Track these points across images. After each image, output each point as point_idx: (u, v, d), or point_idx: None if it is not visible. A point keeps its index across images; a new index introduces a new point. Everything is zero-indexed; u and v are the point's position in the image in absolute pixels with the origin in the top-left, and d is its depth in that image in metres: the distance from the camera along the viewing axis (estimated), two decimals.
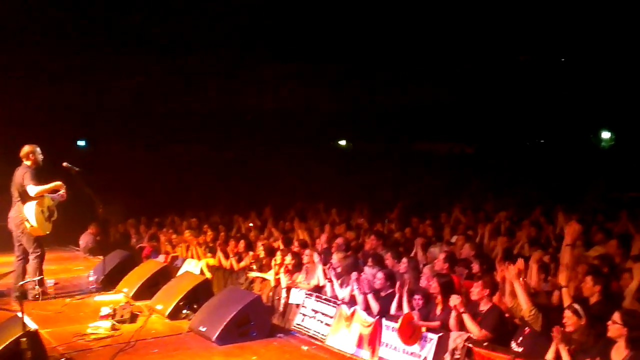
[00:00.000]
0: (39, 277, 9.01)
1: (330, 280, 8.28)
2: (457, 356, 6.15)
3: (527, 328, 5.88)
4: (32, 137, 9.41)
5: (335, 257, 8.71)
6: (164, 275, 9.91)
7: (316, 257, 8.89)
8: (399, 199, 14.55)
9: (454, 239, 9.86)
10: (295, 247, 10.10)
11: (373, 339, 7.18)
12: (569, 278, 6.17)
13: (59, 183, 9.07)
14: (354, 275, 7.69)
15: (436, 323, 6.65)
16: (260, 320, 7.68)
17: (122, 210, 15.33)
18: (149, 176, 18.18)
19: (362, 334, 7.35)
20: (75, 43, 11.72)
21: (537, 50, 12.84)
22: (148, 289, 9.39)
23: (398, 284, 7.35)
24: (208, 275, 10.48)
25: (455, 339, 6.25)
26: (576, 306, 5.48)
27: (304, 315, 8.43)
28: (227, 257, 10.85)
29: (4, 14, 9.94)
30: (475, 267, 7.49)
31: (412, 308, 6.96)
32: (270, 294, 9.37)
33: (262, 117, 18.13)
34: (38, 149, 8.94)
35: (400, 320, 6.65)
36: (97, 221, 13.14)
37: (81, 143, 19.83)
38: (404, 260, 8.15)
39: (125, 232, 14.93)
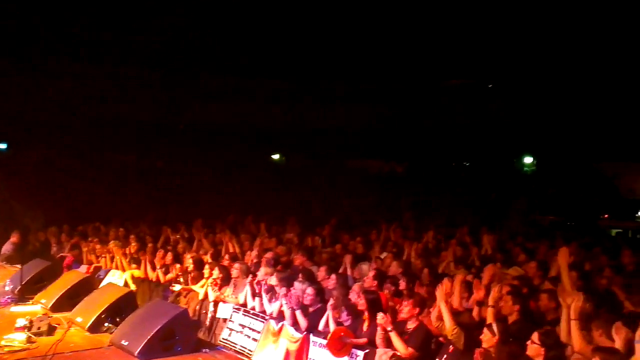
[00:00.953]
0: None
1: (259, 295, 8.24)
2: None
3: (451, 346, 6.04)
4: None
5: (262, 271, 8.68)
6: (85, 287, 9.58)
7: (245, 271, 8.83)
8: (330, 215, 14.67)
9: (382, 256, 10.03)
10: (226, 260, 10.00)
11: (300, 355, 7.17)
12: (495, 298, 6.39)
13: None
14: (282, 290, 7.68)
15: (363, 340, 6.72)
16: (185, 334, 7.54)
17: (43, 217, 14.71)
18: (73, 183, 17.54)
19: (289, 349, 7.33)
20: None
21: (466, 74, 13.31)
22: (68, 301, 9.08)
23: (327, 300, 7.40)
24: (133, 287, 10.20)
25: (381, 355, 6.35)
26: (493, 324, 5.69)
27: (231, 329, 8.34)
28: (153, 268, 10.60)
29: None
30: (403, 285, 7.64)
31: (339, 324, 7.01)
32: (197, 307, 9.21)
33: (195, 128, 17.88)
34: None
35: (330, 334, 6.70)
36: (19, 229, 12.57)
37: (2, 146, 18.94)
38: (333, 276, 8.23)
39: (45, 240, 14.31)
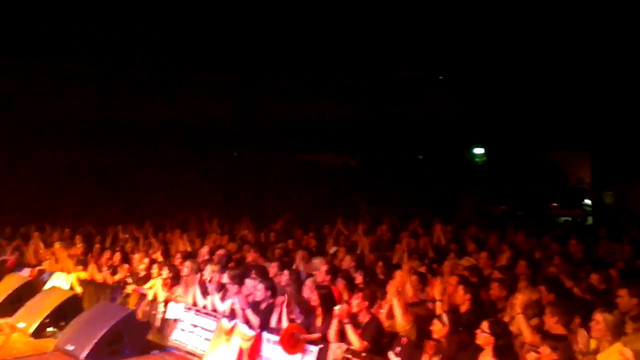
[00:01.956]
0: None
1: (210, 294, 8.05)
2: None
3: (404, 338, 6.01)
4: None
5: (208, 269, 8.49)
6: (28, 290, 9.27)
7: (196, 270, 8.62)
8: (283, 210, 14.54)
9: (332, 250, 9.97)
10: (178, 259, 9.73)
11: (253, 353, 7.04)
12: (442, 291, 6.40)
13: None
14: (234, 288, 7.53)
15: (317, 335, 6.63)
16: (133, 336, 7.36)
17: None
18: (14, 183, 16.86)
19: (242, 348, 7.19)
20: None
21: (417, 67, 13.40)
22: (10, 305, 8.79)
23: (279, 296, 7.28)
24: (79, 290, 9.83)
25: (335, 350, 6.28)
26: (443, 315, 5.68)
27: (182, 330, 8.12)
28: (100, 269, 10.25)
29: None
30: (359, 279, 7.58)
31: (291, 320, 6.91)
32: (147, 308, 8.94)
33: (142, 125, 17.43)
34: None
35: (283, 331, 6.58)
36: None
37: None
38: (285, 272, 8.10)
39: None
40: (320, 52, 12.29)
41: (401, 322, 5.92)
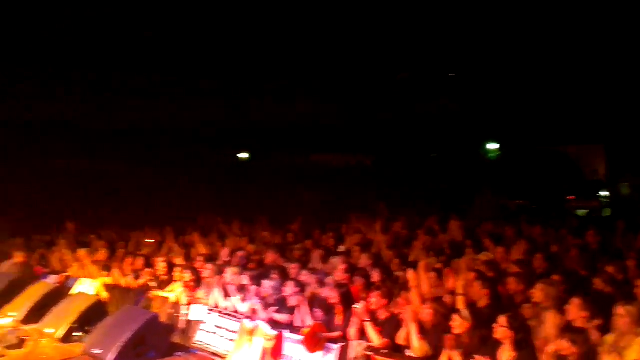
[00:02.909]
0: None
1: (231, 295, 8.20)
2: None
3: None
4: None
5: (229, 272, 8.63)
6: (54, 297, 9.43)
7: (217, 272, 8.77)
8: (298, 211, 14.65)
9: (343, 248, 10.08)
10: (199, 261, 9.90)
11: (276, 353, 7.17)
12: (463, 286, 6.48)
13: None
14: (253, 288, 7.66)
15: (337, 333, 6.75)
16: (157, 339, 7.50)
17: (8, 229, 14.35)
18: (29, 190, 17.00)
19: (265, 347, 7.32)
20: None
21: (426, 65, 13.41)
22: (38, 312, 8.92)
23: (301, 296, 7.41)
24: (104, 295, 10.03)
25: (356, 347, 6.39)
26: (463, 310, 5.76)
27: (205, 331, 8.28)
28: (124, 274, 10.46)
29: None
30: (376, 277, 7.67)
31: (314, 319, 7.03)
32: (171, 311, 9.11)
33: (158, 130, 17.60)
34: None
35: (307, 331, 6.71)
36: None
37: None
38: (304, 272, 8.22)
39: (9, 252, 13.96)
40: (334, 54, 12.35)
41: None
